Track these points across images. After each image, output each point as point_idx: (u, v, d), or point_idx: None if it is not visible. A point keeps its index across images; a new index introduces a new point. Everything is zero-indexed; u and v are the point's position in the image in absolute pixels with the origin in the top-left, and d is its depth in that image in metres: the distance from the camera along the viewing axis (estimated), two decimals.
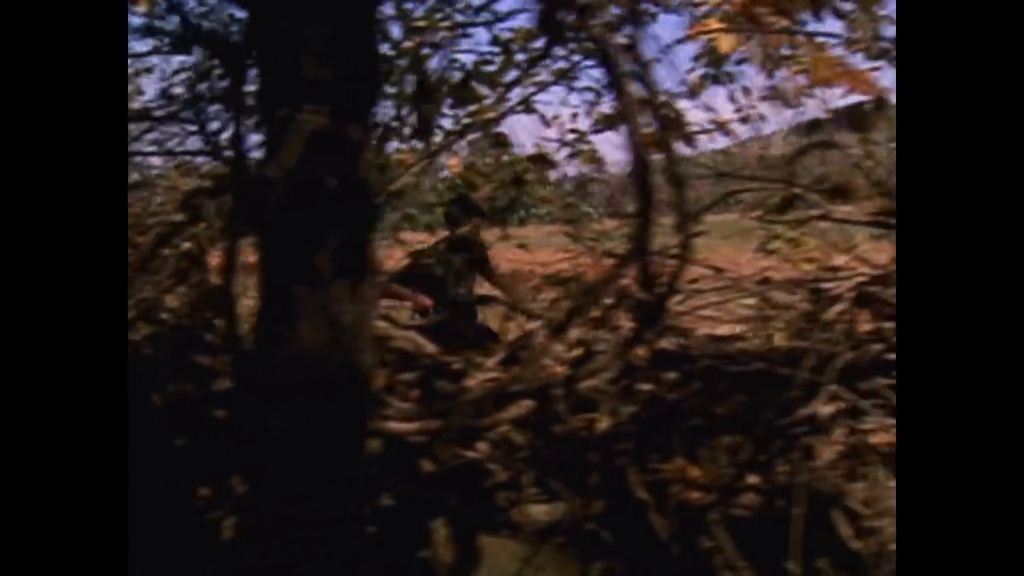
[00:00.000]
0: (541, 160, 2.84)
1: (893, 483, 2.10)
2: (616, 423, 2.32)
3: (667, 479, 2.24)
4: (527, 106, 4.11)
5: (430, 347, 2.61)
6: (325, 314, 1.76)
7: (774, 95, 2.15)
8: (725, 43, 2.31)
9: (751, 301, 2.38)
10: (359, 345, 1.81)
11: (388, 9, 4.20)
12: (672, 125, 2.37)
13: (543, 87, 3.95)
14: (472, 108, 4.33)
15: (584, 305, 2.07)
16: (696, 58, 5.15)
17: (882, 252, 2.22)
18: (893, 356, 2.22)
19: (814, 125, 1.60)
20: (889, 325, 2.23)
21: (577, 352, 2.28)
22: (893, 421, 2.16)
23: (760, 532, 2.18)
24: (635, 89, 1.84)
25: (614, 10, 1.71)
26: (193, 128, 2.37)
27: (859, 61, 2.79)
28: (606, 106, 4.33)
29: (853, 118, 1.58)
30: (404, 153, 4.17)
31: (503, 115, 4.09)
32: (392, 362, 2.58)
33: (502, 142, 2.83)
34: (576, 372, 2.11)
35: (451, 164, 2.97)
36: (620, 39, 1.65)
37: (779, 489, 2.19)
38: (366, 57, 1.80)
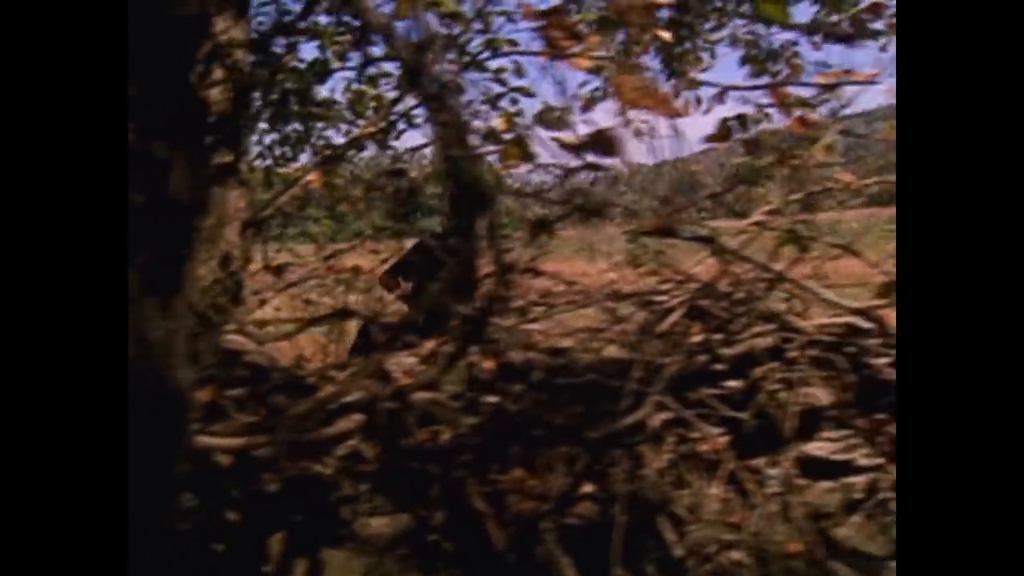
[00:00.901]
0: (397, 174, 2.87)
1: (714, 490, 2.18)
2: (459, 435, 2.36)
3: (505, 490, 2.29)
4: (409, 120, 4.15)
5: (283, 361, 2.61)
6: (134, 331, 1.76)
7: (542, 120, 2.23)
8: (582, 63, 2.39)
9: (593, 313, 2.45)
10: (172, 362, 1.81)
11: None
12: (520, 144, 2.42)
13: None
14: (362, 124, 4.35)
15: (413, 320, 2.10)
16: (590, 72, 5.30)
17: (709, 268, 2.30)
18: (719, 366, 2.31)
19: (583, 145, 1.67)
20: (717, 336, 2.32)
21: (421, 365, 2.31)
22: (719, 430, 2.25)
23: (595, 540, 2.23)
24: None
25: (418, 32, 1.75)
26: None
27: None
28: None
29: (601, 143, 1.64)
30: (293, 170, 4.16)
31: (388, 129, 4.13)
32: (244, 377, 2.57)
33: (339, 158, 2.85)
34: (410, 385, 2.14)
35: (311, 180, 2.98)
36: (424, 61, 1.69)
37: (614, 497, 2.26)
38: (177, 75, 1.80)
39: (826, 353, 2.22)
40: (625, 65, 1.83)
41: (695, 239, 2.09)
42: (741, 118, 3.33)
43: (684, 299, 2.33)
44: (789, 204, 2.43)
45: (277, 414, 2.31)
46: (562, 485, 2.28)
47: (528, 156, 2.30)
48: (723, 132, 2.92)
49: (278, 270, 3.03)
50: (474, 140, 1.90)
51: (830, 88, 2.13)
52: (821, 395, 2.21)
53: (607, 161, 1.59)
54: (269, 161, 4.97)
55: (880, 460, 2.16)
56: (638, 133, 3.72)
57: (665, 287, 2.42)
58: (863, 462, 2.16)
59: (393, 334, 2.13)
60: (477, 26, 4.09)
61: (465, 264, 2.00)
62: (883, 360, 2.17)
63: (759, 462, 2.21)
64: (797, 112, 2.16)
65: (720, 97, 3.81)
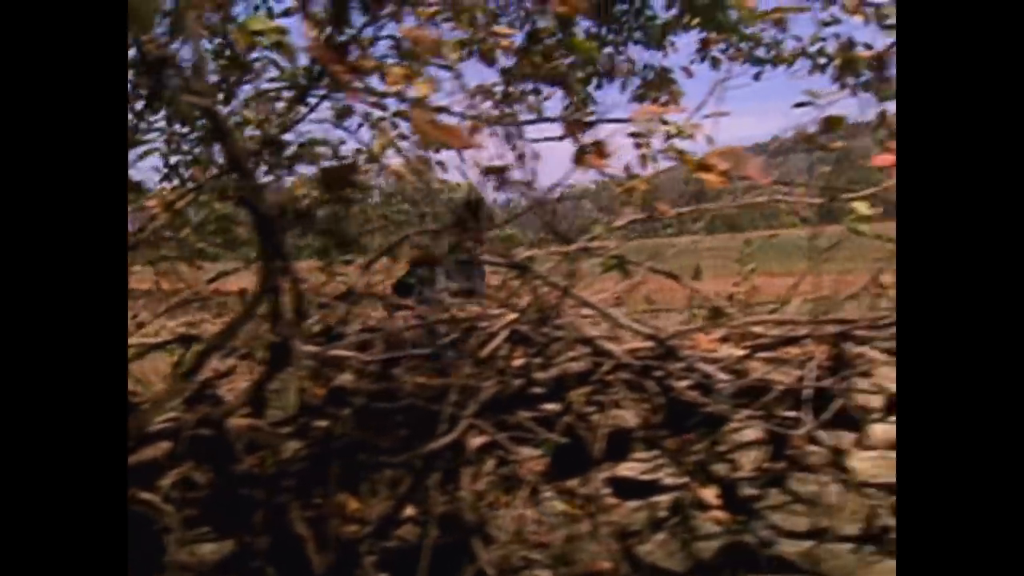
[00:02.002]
0: (243, 202, 2.88)
1: (528, 510, 2.24)
2: (285, 460, 2.38)
3: (328, 514, 2.31)
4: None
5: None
6: None
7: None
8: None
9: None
10: None
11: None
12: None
13: (289, 125, 4.01)
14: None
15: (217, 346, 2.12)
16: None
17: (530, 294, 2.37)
18: (537, 390, 2.37)
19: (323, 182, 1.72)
20: (537, 360, 2.38)
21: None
22: (535, 452, 2.31)
23: (413, 561, 2.26)
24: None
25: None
26: None
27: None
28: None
29: (329, 178, 1.70)
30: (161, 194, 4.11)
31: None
32: None
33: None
34: (224, 411, 2.15)
35: (154, 206, 2.97)
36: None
37: (435, 519, 2.29)
38: None
39: (636, 376, 2.31)
40: (418, 101, 1.89)
41: (504, 265, 2.16)
42: (597, 144, 3.43)
43: (507, 324, 2.40)
44: (612, 231, 2.52)
45: None
46: (384, 508, 2.31)
47: (344, 184, 2.35)
48: (581, 160, 3.01)
49: None
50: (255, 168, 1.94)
51: (577, 126, 2.23)
52: (630, 417, 2.28)
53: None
54: (176, 182, 4.92)
55: (684, 479, 2.24)
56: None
57: (492, 312, 2.48)
58: (668, 481, 2.24)
59: (205, 356, 2.13)
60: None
61: (270, 290, 2.02)
62: (685, 383, 2.26)
63: (573, 483, 2.28)
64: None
65: (578, 126, 3.91)
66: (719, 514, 2.20)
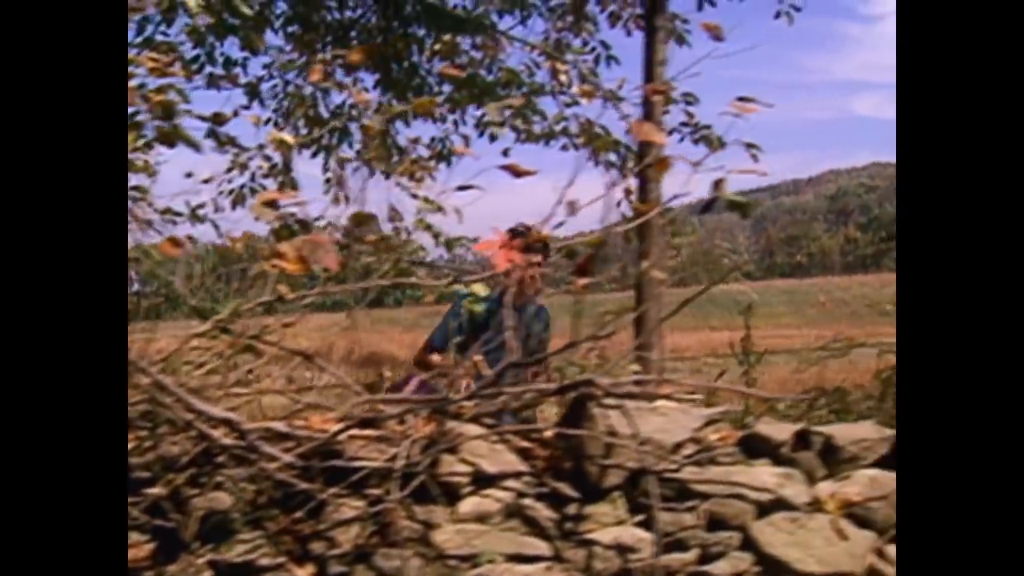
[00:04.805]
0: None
1: None
2: None
3: None
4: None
5: None
6: None
7: None
8: None
9: None
10: None
11: None
12: None
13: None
14: None
15: None
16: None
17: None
18: (143, 474, 2.36)
19: None
20: (145, 445, 2.37)
21: None
22: (142, 537, 2.29)
23: None
24: None
25: None
26: None
27: None
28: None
29: None
30: None
31: None
32: None
33: None
34: None
35: None
36: None
37: None
38: None
39: (236, 459, 2.34)
40: None
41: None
42: (304, 223, 3.51)
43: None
44: (238, 312, 2.57)
45: None
46: None
47: None
48: (282, 235, 3.07)
49: None
50: None
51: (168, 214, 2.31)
52: (226, 499, 2.30)
53: None
54: None
55: (282, 559, 2.27)
56: None
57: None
58: (265, 562, 2.26)
59: None
60: None
61: None
62: (277, 464, 2.31)
63: (172, 568, 2.26)
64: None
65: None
66: None
